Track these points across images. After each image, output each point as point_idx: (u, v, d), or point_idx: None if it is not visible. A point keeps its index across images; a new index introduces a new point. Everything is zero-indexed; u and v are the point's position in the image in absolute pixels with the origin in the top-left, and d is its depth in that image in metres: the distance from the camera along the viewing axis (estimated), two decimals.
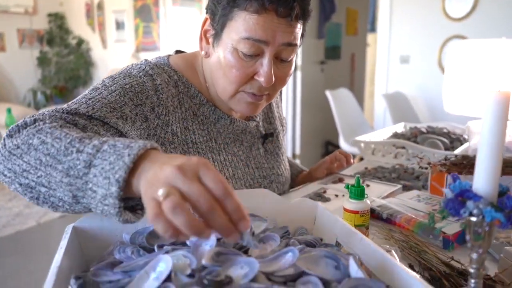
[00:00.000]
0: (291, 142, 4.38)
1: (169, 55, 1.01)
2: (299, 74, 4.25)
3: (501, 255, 0.74)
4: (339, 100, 3.50)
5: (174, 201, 0.45)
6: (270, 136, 1.11)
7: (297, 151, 4.40)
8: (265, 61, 0.86)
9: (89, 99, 0.80)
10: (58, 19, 6.03)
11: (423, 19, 3.41)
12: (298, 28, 0.87)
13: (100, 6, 5.71)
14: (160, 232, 0.46)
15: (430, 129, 1.62)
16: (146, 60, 0.94)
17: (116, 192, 0.53)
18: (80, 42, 5.96)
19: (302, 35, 0.92)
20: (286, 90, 4.27)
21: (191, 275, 0.51)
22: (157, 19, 5.10)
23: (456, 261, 0.75)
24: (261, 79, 0.87)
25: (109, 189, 0.54)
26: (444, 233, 0.85)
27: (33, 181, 0.62)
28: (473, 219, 0.50)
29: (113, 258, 0.60)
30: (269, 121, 1.14)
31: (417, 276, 0.51)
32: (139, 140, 0.59)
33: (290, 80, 4.20)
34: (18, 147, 0.64)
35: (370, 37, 6.31)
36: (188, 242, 0.60)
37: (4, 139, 0.67)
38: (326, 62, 4.77)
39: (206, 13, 0.92)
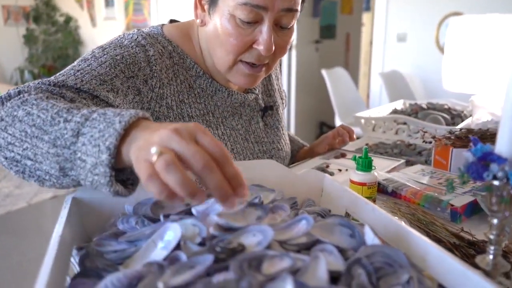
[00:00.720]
0: (285, 122, 4.36)
1: (163, 25, 0.96)
2: (294, 53, 4.20)
3: None
4: (335, 79, 3.46)
5: (168, 159, 0.44)
6: (269, 109, 1.08)
7: (292, 132, 4.37)
8: (265, 28, 0.82)
9: (78, 70, 0.75)
10: None
11: None
12: None
13: None
14: (154, 193, 0.44)
15: (431, 105, 1.60)
16: (138, 29, 0.90)
17: (107, 160, 0.50)
18: (68, 19, 5.83)
19: (303, 1, 0.88)
20: (281, 69, 4.22)
21: (201, 244, 0.49)
22: None
23: (466, 232, 0.74)
24: (260, 47, 0.83)
25: (99, 157, 0.51)
26: (452, 205, 0.84)
27: (18, 154, 0.58)
28: (496, 182, 0.48)
29: (116, 229, 0.58)
30: (268, 93, 1.11)
31: (434, 243, 0.49)
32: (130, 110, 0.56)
33: (285, 59, 4.18)
34: (2, 119, 0.61)
35: (365, 17, 6.24)
36: (194, 212, 0.58)
37: None
38: (321, 41, 4.71)
39: None
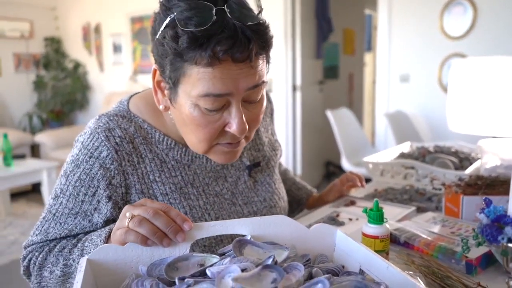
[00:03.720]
0: (292, 163, 4.36)
1: (132, 97, 0.94)
2: (298, 94, 4.26)
3: None
4: (340, 120, 3.50)
5: (138, 217, 0.66)
6: (256, 166, 1.01)
7: (298, 172, 4.37)
8: (233, 110, 0.77)
9: (54, 214, 0.87)
10: (54, 43, 6.04)
11: (421, 38, 3.45)
12: (261, 64, 0.77)
13: (97, 30, 5.75)
14: (132, 240, 0.66)
15: (438, 148, 1.61)
16: (99, 117, 0.88)
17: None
18: (77, 65, 5.97)
19: (268, 61, 0.83)
20: (286, 111, 4.27)
21: None
22: None
23: (483, 287, 0.73)
24: (233, 129, 0.78)
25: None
26: (467, 257, 0.83)
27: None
28: None
29: None
30: (257, 148, 1.04)
31: None
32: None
33: (289, 101, 4.24)
34: (40, 283, 0.86)
35: (367, 56, 6.37)
36: (209, 274, 0.58)
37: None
38: (325, 82, 4.79)
39: (155, 62, 0.80)
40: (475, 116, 1.95)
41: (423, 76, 3.48)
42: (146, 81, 5.19)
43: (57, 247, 0.85)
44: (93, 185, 0.85)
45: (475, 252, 0.84)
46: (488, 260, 0.85)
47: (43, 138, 5.09)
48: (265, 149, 1.06)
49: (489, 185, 1.04)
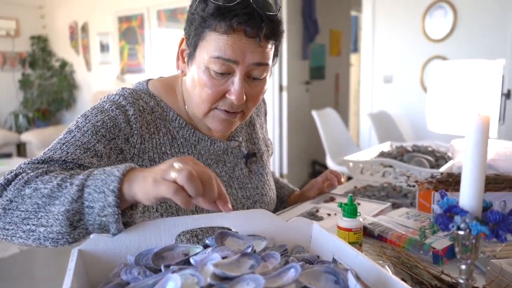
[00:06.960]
0: (278, 162, 4.42)
1: (149, 80, 1.04)
2: (284, 94, 4.32)
3: (488, 268, 0.78)
4: (325, 120, 3.56)
5: (189, 172, 0.59)
6: (253, 156, 1.12)
7: (285, 171, 4.43)
8: (236, 79, 0.89)
9: (63, 144, 0.82)
10: (41, 42, 6.03)
11: (404, 41, 3.53)
12: (269, 48, 0.90)
13: (84, 29, 5.74)
14: (182, 205, 0.60)
15: (416, 147, 1.68)
16: (123, 88, 0.97)
17: (113, 201, 0.63)
18: (64, 64, 5.95)
19: (276, 55, 0.97)
20: (272, 111, 4.33)
21: None
22: (142, 41, 5.15)
23: (446, 275, 0.79)
24: (232, 97, 0.90)
25: (106, 200, 0.64)
26: (434, 248, 0.89)
27: (33, 224, 0.68)
28: (461, 232, 0.53)
29: (120, 279, 0.62)
30: (253, 141, 1.16)
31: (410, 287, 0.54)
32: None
33: (276, 101, 4.29)
34: (11, 201, 0.70)
35: (353, 57, 6.46)
36: (193, 262, 0.63)
37: None
38: (311, 82, 4.86)
39: (184, 32, 0.96)
40: (451, 117, 2.03)
41: (406, 77, 3.57)
42: (134, 81, 5.19)
43: (58, 171, 0.74)
44: (113, 132, 0.88)
45: (442, 244, 0.90)
46: (453, 252, 0.90)
47: (30, 137, 5.09)
48: (260, 143, 1.17)
49: (459, 182, 1.11)
